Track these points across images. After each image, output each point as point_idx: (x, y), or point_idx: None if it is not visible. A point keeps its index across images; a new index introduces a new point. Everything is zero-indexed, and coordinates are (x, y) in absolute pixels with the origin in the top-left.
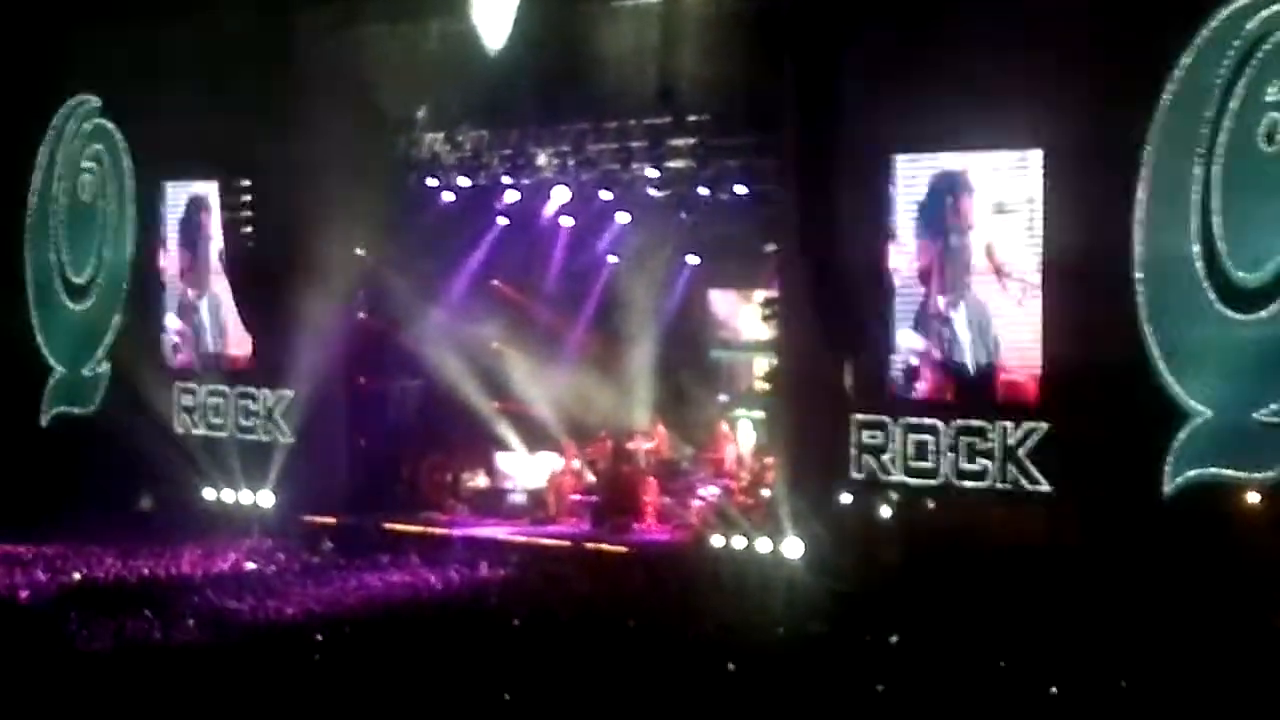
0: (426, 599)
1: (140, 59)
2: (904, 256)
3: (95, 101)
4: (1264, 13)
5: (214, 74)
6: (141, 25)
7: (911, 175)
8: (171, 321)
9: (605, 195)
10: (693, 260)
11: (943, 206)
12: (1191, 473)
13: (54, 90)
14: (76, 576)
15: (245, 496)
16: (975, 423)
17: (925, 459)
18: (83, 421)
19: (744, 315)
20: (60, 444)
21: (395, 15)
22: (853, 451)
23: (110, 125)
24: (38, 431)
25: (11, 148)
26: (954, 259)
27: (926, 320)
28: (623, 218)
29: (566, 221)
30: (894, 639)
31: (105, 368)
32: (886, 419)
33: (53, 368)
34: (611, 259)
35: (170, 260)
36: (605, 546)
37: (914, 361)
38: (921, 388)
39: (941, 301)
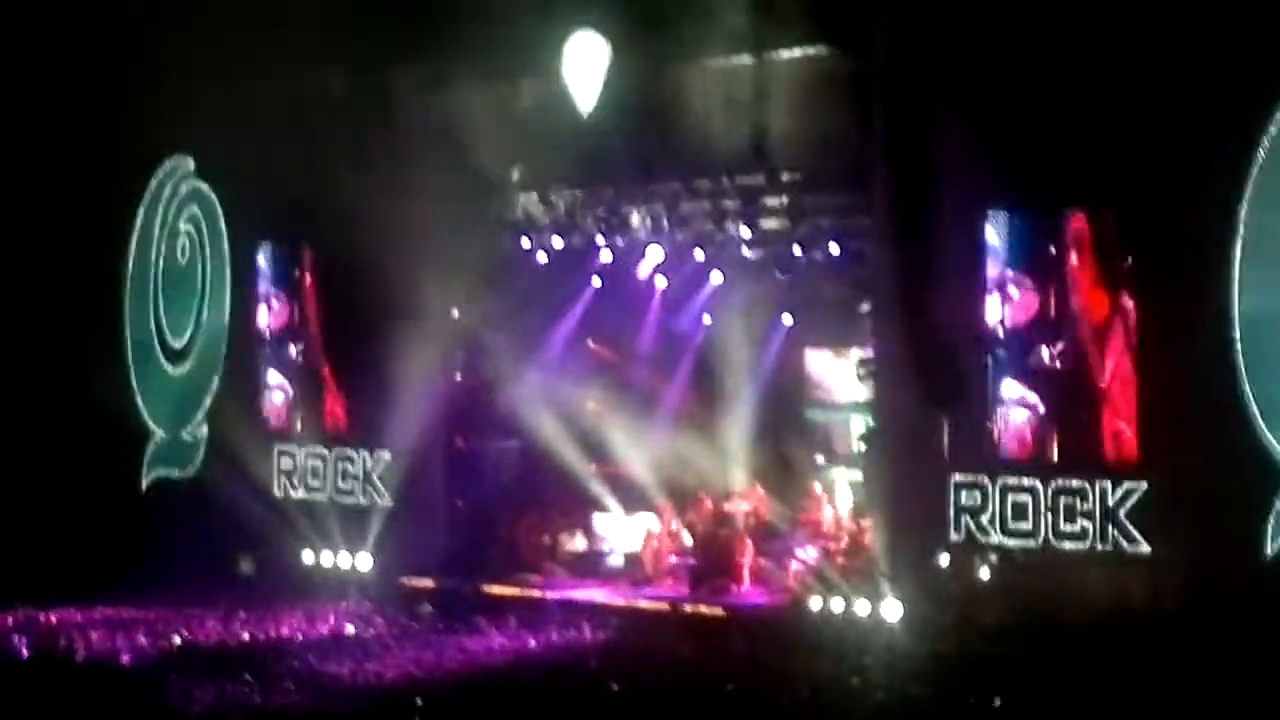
0: (526, 662)
1: (235, 119)
2: (999, 313)
3: (190, 164)
4: None
5: (310, 133)
6: (237, 85)
7: (1005, 230)
8: (272, 381)
9: (699, 255)
10: (788, 320)
11: (1037, 262)
12: None
13: (150, 152)
14: (177, 640)
15: (344, 559)
16: (1074, 483)
17: (1024, 519)
18: (182, 485)
19: (840, 375)
20: (160, 507)
21: (489, 75)
22: (951, 512)
23: (205, 187)
24: (138, 495)
25: (109, 211)
26: (1049, 315)
27: (1024, 377)
28: (716, 278)
29: (661, 282)
30: (997, 702)
31: (204, 431)
32: (985, 479)
33: (152, 431)
34: (706, 319)
35: (268, 323)
36: (703, 609)
37: (1014, 419)
38: (1021, 445)
39: (1037, 359)
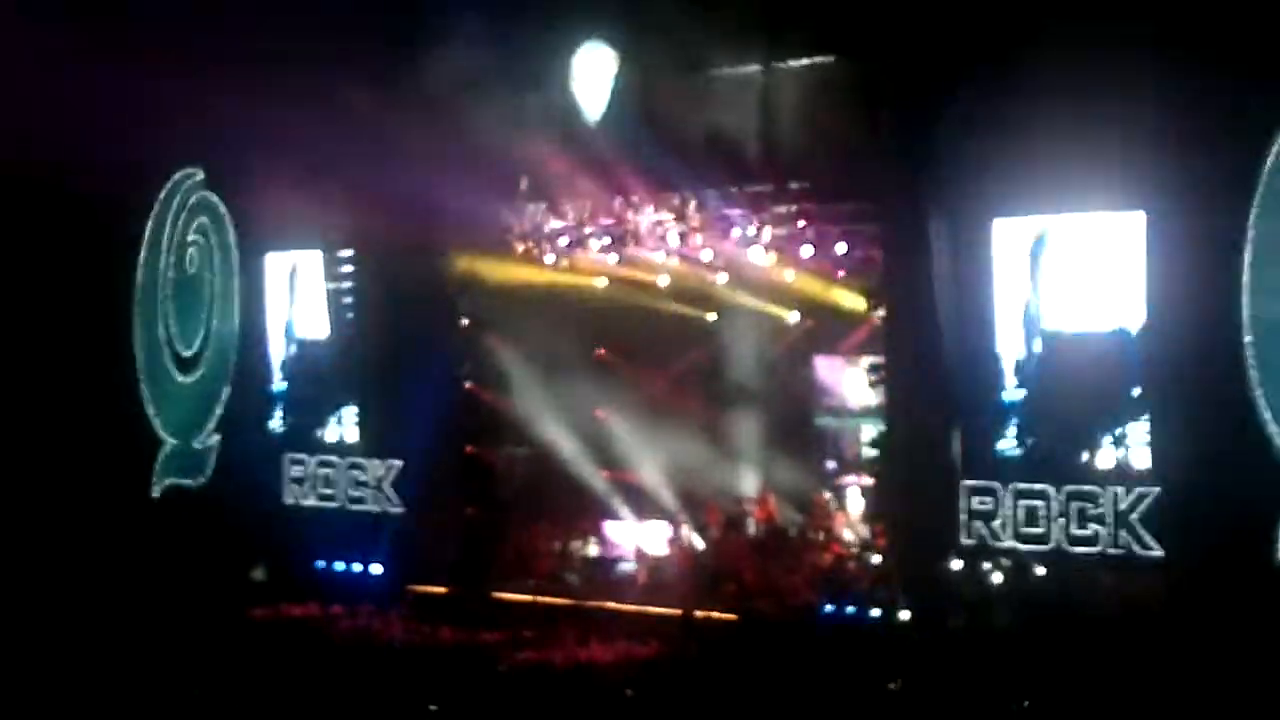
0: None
1: (244, 129)
2: (1009, 319)
3: (199, 174)
4: None
5: (317, 143)
6: (245, 96)
7: (1013, 237)
8: (282, 389)
9: (708, 261)
10: (794, 318)
11: (1045, 269)
12: None
13: (159, 163)
14: None
15: (356, 567)
16: (1086, 488)
17: (1036, 525)
18: (193, 493)
19: (850, 381)
20: (171, 516)
21: (496, 86)
22: (962, 518)
23: (214, 197)
24: (149, 504)
25: (118, 221)
26: (1058, 322)
27: (1034, 382)
28: (726, 285)
29: (671, 290)
30: (1012, 708)
31: (215, 439)
32: (996, 485)
33: (163, 440)
34: (713, 322)
35: (276, 331)
36: (715, 615)
37: (1022, 424)
38: (1030, 452)
39: (1047, 365)
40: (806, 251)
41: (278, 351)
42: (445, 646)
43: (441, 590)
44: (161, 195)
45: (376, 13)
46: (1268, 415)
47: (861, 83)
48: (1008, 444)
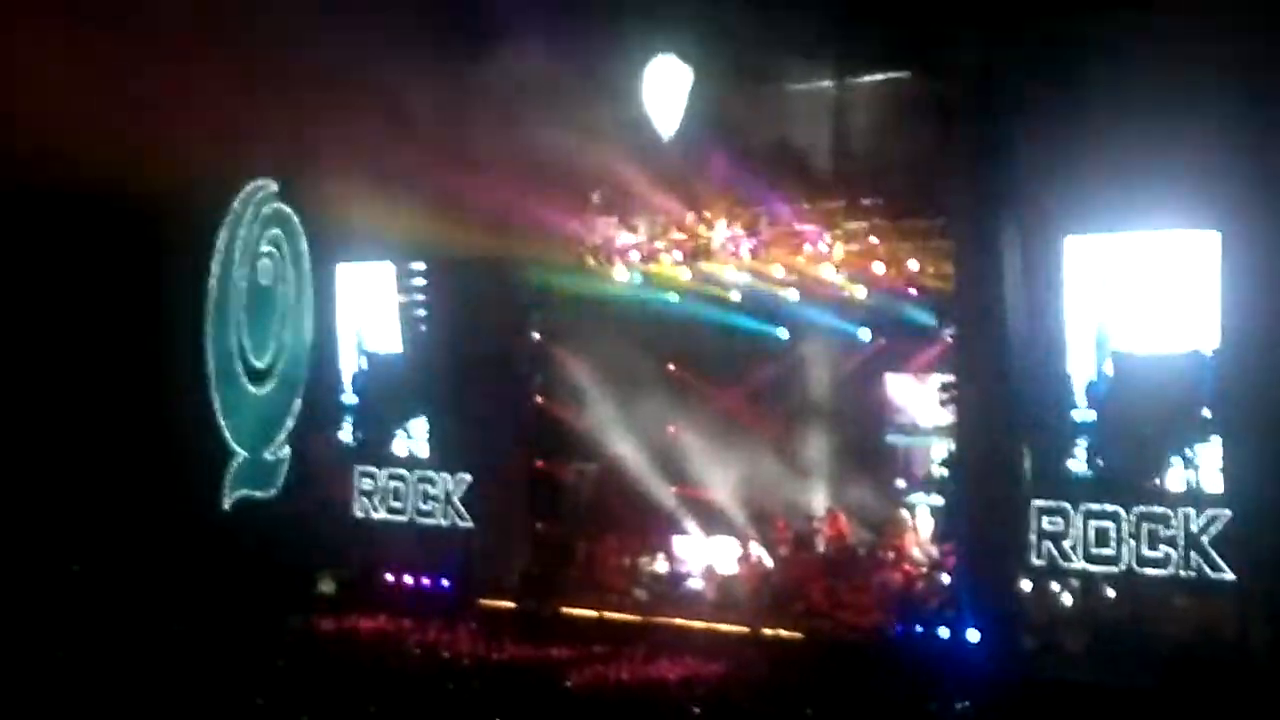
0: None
1: (318, 141)
2: (1080, 338)
3: (273, 186)
4: None
5: (390, 155)
6: (319, 108)
7: (1085, 256)
8: (354, 402)
9: (779, 276)
10: (866, 335)
11: (1118, 287)
12: None
13: (233, 175)
14: None
15: (425, 580)
16: (1157, 509)
17: (1106, 545)
18: (265, 505)
19: (921, 400)
20: (243, 527)
21: (569, 99)
22: (1032, 538)
23: (287, 209)
24: (221, 515)
25: (192, 232)
26: (1130, 341)
27: (1104, 402)
28: (797, 301)
29: (742, 305)
30: None
31: (286, 451)
32: (1067, 505)
33: (235, 452)
34: (785, 338)
35: (348, 343)
36: (783, 633)
37: (1092, 445)
38: (1100, 473)
39: (1118, 385)
40: (878, 268)
41: (349, 364)
42: (512, 662)
43: (509, 605)
44: (235, 206)
45: (450, 26)
46: None
47: (934, 98)
48: (1078, 464)
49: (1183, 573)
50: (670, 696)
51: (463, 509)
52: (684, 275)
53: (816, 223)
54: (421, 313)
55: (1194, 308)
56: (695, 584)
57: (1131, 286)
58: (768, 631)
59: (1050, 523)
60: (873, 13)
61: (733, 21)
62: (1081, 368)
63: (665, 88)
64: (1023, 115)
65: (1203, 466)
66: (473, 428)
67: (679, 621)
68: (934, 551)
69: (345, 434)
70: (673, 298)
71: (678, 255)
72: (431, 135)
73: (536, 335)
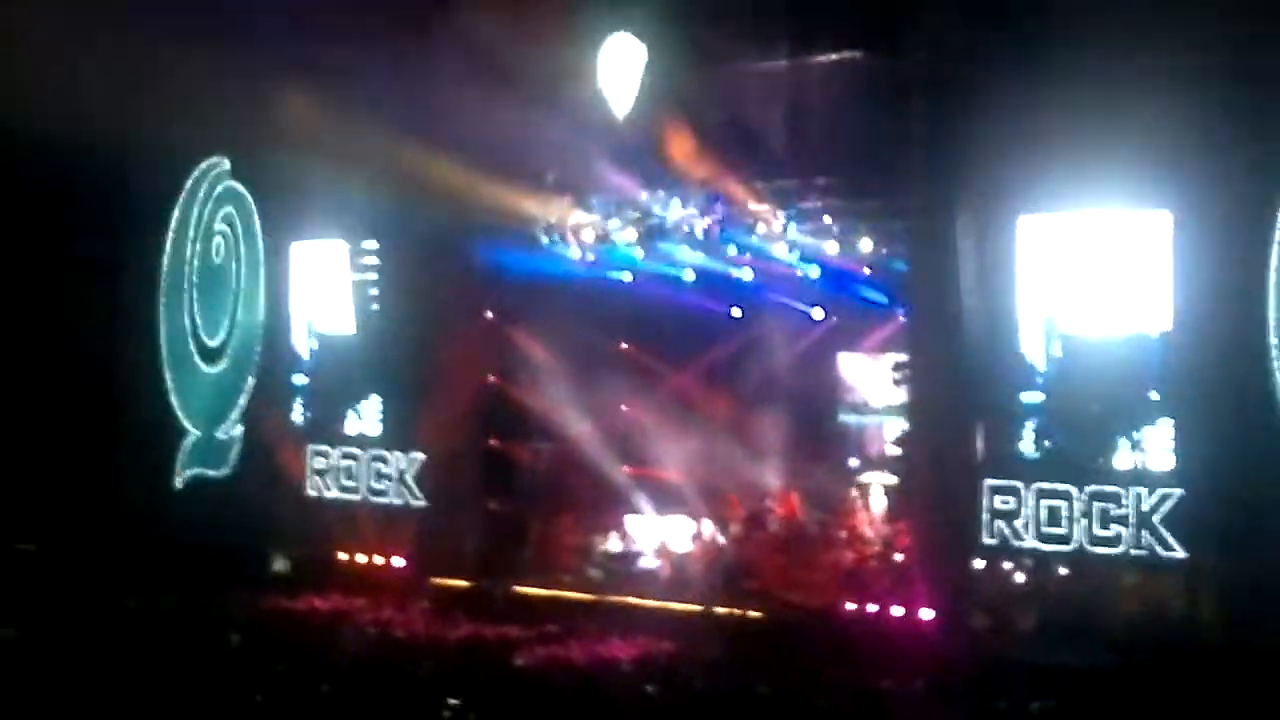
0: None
1: (269, 119)
2: (1031, 317)
3: (226, 163)
4: None
5: (343, 134)
6: (271, 85)
7: (1038, 235)
8: (306, 381)
9: (732, 256)
10: (820, 315)
11: (1070, 267)
12: None
13: (186, 153)
14: None
15: (378, 559)
16: (1108, 489)
17: (1058, 525)
18: (217, 484)
19: (874, 379)
20: (194, 506)
21: (523, 78)
22: (985, 517)
23: (240, 187)
24: (172, 494)
25: (144, 210)
26: (1082, 321)
27: (1058, 382)
28: (749, 280)
29: (694, 285)
30: (1033, 708)
31: (239, 430)
32: (1019, 484)
33: (187, 430)
34: (739, 317)
35: (300, 322)
36: (737, 612)
37: (1044, 424)
38: (1051, 452)
39: (1071, 363)
40: (832, 247)
41: (302, 342)
42: (466, 640)
43: (463, 584)
44: (188, 184)
45: (402, 4)
46: None
47: (887, 79)
48: (1029, 444)
49: (1134, 551)
50: (624, 675)
51: (416, 488)
52: (638, 254)
53: (770, 202)
54: (374, 291)
55: (1145, 288)
56: (649, 563)
57: (1083, 266)
58: (721, 610)
59: (1002, 502)
60: None
61: (688, 0)
62: (1034, 346)
63: (620, 66)
64: (976, 94)
65: (1151, 448)
66: (426, 407)
67: (633, 600)
68: (887, 530)
69: (297, 413)
70: (627, 277)
71: (632, 234)
72: (385, 113)
73: (490, 314)
